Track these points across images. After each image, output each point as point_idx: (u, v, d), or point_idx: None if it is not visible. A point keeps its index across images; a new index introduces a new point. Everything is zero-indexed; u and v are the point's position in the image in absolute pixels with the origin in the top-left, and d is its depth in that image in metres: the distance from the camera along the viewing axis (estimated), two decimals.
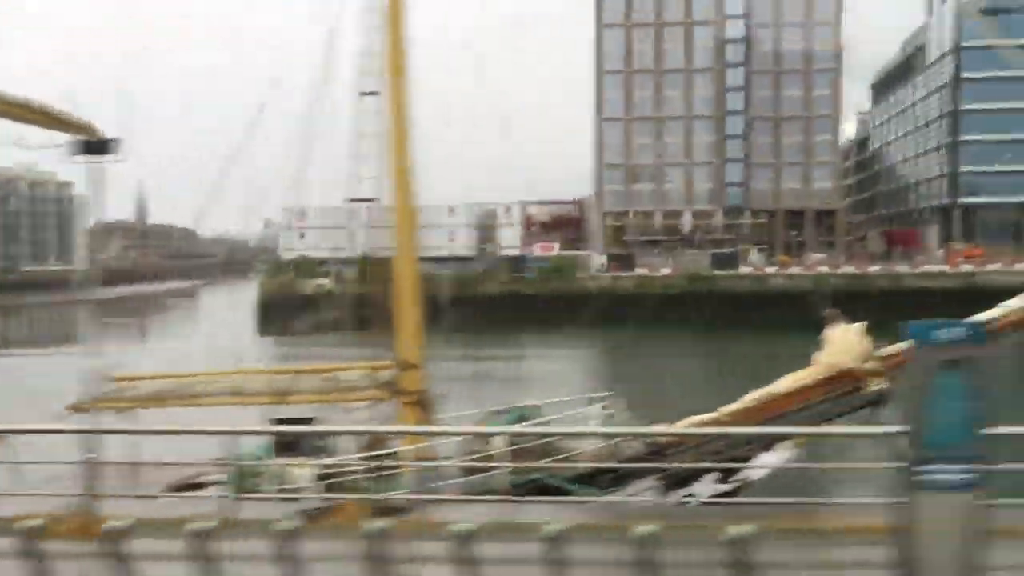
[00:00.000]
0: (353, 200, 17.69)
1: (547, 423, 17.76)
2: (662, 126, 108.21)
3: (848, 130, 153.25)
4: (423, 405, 18.19)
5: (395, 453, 16.37)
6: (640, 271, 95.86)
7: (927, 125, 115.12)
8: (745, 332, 68.42)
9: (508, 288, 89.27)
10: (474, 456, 16.48)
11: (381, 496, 13.27)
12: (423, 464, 15.79)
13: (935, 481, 7.84)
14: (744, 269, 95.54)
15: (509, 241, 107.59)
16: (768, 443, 16.21)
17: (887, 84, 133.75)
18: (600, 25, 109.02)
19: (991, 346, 7.98)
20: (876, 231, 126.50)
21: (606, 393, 18.60)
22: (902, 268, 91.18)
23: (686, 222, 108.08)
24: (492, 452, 16.47)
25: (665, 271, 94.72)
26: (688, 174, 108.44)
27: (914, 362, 7.98)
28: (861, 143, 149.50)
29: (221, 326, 72.40)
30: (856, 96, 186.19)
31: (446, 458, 16.24)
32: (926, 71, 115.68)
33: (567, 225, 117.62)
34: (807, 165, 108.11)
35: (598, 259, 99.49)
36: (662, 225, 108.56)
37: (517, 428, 16.99)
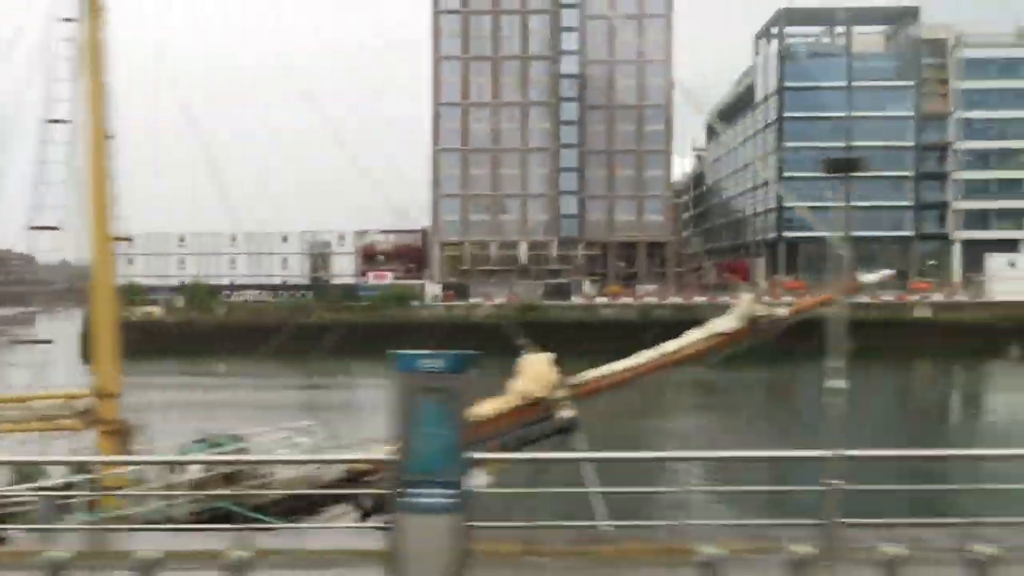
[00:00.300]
0: (33, 228, 17.36)
1: (242, 451, 17.74)
2: (499, 158, 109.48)
3: (687, 165, 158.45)
4: (121, 434, 17.91)
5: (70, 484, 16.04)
6: (474, 300, 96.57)
7: (746, 166, 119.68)
8: (570, 360, 69.32)
9: (338, 317, 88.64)
10: (160, 486, 16.33)
11: None
12: (94, 495, 15.54)
13: (419, 504, 8.17)
14: (575, 299, 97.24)
15: (344, 269, 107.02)
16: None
17: (721, 121, 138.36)
18: (437, 57, 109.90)
19: (468, 376, 8.30)
20: (712, 263, 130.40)
21: (308, 422, 18.72)
22: (725, 299, 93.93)
23: (522, 252, 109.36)
24: (177, 481, 16.36)
25: (499, 300, 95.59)
26: (524, 205, 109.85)
27: (398, 390, 8.31)
28: (698, 178, 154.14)
29: (42, 354, 69.79)
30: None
31: (119, 488, 16.02)
32: (754, 110, 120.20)
33: (410, 254, 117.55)
34: (640, 198, 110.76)
35: (433, 288, 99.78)
36: (499, 255, 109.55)
37: (204, 457, 16.91)
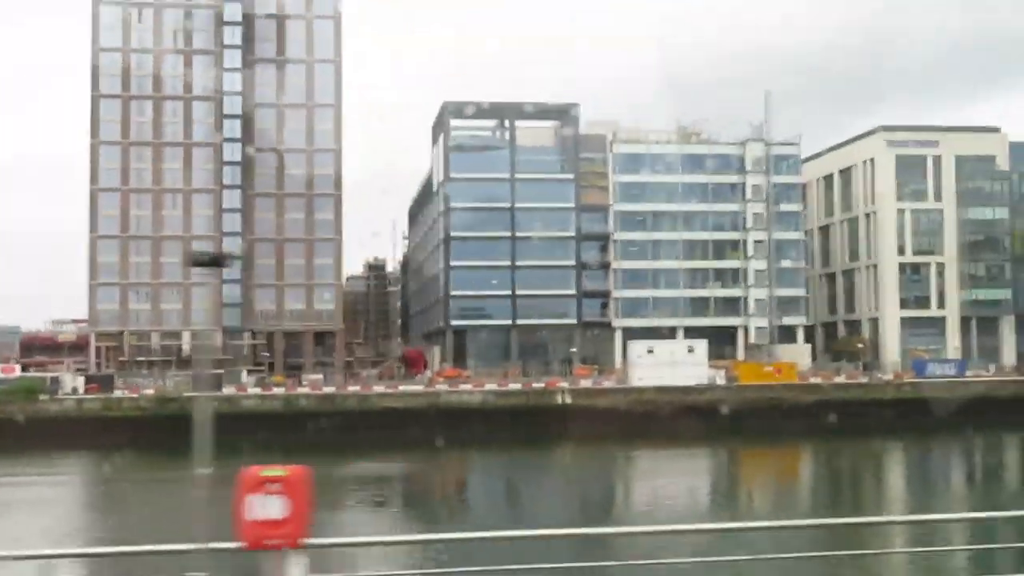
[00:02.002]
0: None
1: None
2: (159, 244, 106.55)
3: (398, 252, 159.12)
4: None
5: None
6: (118, 394, 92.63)
7: (422, 256, 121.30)
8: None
9: None
10: None
11: None
12: None
13: None
14: (227, 390, 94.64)
15: None
16: None
17: (416, 210, 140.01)
18: (96, 142, 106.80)
19: None
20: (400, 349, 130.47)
21: None
22: (378, 388, 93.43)
23: (185, 342, 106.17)
24: None
25: (148, 392, 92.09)
26: (186, 294, 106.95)
27: None
28: (404, 264, 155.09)
29: None
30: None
31: None
32: (434, 199, 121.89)
33: (74, 346, 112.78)
34: (309, 287, 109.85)
35: (72, 381, 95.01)
36: (160, 346, 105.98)
37: None
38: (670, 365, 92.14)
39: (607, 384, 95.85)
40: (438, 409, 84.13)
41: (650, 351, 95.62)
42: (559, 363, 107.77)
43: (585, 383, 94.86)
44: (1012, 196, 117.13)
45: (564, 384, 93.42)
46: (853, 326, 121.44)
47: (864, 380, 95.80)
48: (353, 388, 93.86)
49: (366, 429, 75.97)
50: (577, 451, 75.68)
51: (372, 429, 76.18)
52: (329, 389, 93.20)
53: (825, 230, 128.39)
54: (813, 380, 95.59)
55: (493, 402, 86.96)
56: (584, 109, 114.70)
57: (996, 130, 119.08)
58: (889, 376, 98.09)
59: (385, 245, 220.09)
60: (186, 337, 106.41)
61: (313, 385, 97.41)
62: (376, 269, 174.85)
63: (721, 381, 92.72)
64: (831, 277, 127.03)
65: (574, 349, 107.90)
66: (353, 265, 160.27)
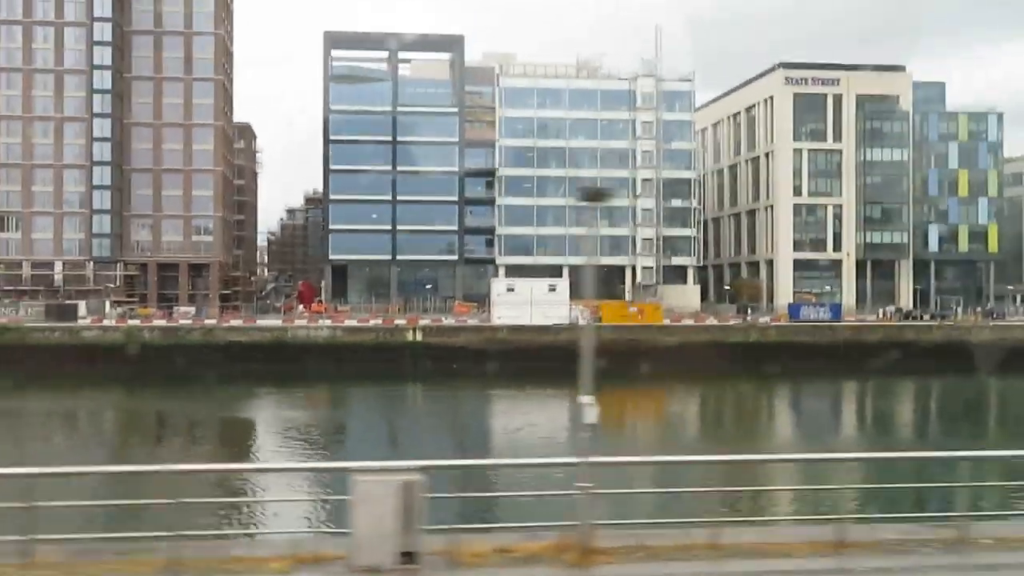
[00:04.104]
0: None
1: None
2: (31, 173, 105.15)
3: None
4: None
5: None
6: None
7: None
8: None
9: None
10: None
11: None
12: None
13: None
14: (82, 321, 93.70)
15: None
16: None
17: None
18: None
19: None
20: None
21: None
22: (235, 322, 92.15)
23: (57, 272, 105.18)
24: None
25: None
26: (58, 224, 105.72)
27: None
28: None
29: None
30: None
31: None
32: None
33: None
34: (187, 218, 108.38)
35: None
36: (31, 275, 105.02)
37: None
38: (530, 304, 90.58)
39: (472, 323, 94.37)
40: (283, 344, 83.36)
41: (510, 289, 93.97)
42: (443, 300, 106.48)
43: (465, 321, 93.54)
44: (914, 137, 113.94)
45: (425, 321, 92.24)
46: (755, 267, 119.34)
47: (734, 323, 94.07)
48: (235, 322, 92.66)
49: (206, 364, 74.48)
50: (427, 390, 74.81)
51: (214, 364, 74.74)
52: (210, 322, 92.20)
53: (734, 169, 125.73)
54: (686, 323, 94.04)
55: (341, 338, 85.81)
56: (484, 42, 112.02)
57: (901, 69, 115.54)
58: (767, 319, 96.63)
59: None
60: (58, 267, 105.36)
61: (184, 317, 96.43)
62: (315, 202, 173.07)
63: (583, 321, 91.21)
64: (737, 217, 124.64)
65: (451, 288, 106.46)
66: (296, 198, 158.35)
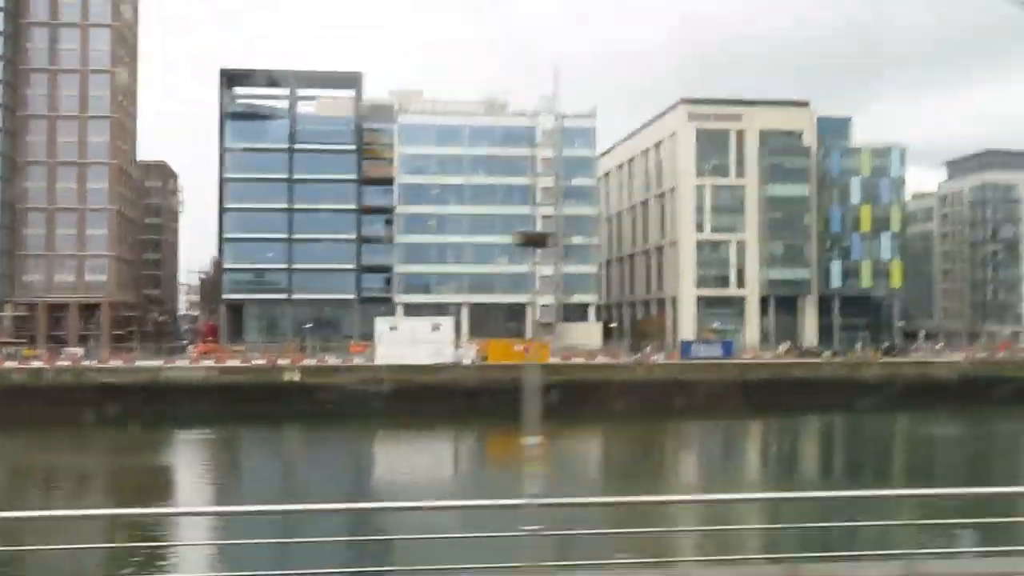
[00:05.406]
0: None
1: None
2: None
3: None
4: None
5: None
6: None
7: None
8: None
9: None
10: None
11: None
12: None
13: None
14: None
15: None
16: None
17: None
18: None
19: None
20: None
21: None
22: (115, 362, 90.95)
23: None
24: None
25: None
26: None
27: None
28: None
29: None
30: None
31: None
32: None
33: None
34: (80, 258, 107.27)
35: None
36: None
37: None
38: (412, 344, 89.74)
39: (357, 361, 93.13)
40: (157, 386, 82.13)
41: (393, 328, 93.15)
42: (343, 339, 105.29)
43: (355, 360, 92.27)
44: (818, 173, 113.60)
45: (311, 361, 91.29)
46: (661, 304, 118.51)
47: (623, 362, 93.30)
48: (115, 363, 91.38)
49: (71, 405, 73.04)
50: (308, 431, 73.59)
51: (78, 405, 73.18)
52: (88, 362, 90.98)
53: (645, 205, 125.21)
54: (576, 361, 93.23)
55: (217, 379, 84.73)
56: (391, 79, 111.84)
57: (805, 104, 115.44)
58: (660, 356, 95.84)
59: None
60: None
61: (72, 359, 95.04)
62: None
63: (468, 360, 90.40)
64: (647, 254, 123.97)
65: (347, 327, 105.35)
66: None
